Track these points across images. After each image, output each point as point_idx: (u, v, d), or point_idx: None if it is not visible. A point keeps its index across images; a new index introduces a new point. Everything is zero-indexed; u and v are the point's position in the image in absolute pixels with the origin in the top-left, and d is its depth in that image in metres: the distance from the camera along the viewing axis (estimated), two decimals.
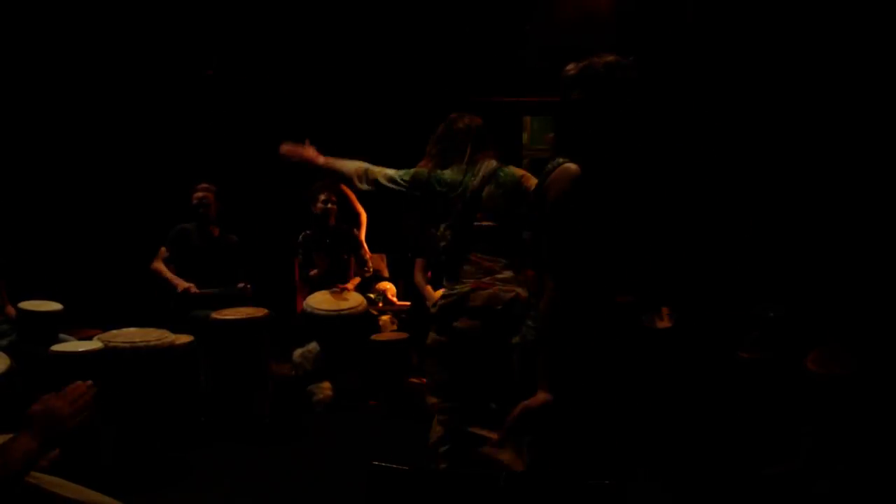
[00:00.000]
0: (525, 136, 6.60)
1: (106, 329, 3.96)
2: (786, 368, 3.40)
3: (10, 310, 4.07)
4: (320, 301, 4.71)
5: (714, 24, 4.79)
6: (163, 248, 4.68)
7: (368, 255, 5.08)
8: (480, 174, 2.87)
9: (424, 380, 4.68)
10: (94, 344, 3.63)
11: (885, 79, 4.10)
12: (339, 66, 5.64)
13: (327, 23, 5.56)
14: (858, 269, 3.93)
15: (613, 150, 2.15)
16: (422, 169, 2.95)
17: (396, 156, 6.15)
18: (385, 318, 5.05)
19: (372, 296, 5.09)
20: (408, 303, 5.24)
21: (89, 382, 1.82)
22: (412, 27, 5.52)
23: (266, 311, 4.37)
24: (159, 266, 4.63)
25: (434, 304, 3.48)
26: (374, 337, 4.74)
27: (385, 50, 5.59)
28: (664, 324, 4.22)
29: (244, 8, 5.54)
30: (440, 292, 4.63)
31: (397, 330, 5.01)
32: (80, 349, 3.56)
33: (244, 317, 4.28)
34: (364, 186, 2.91)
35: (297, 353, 4.84)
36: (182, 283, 4.52)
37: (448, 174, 2.90)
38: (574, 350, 2.14)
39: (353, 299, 4.76)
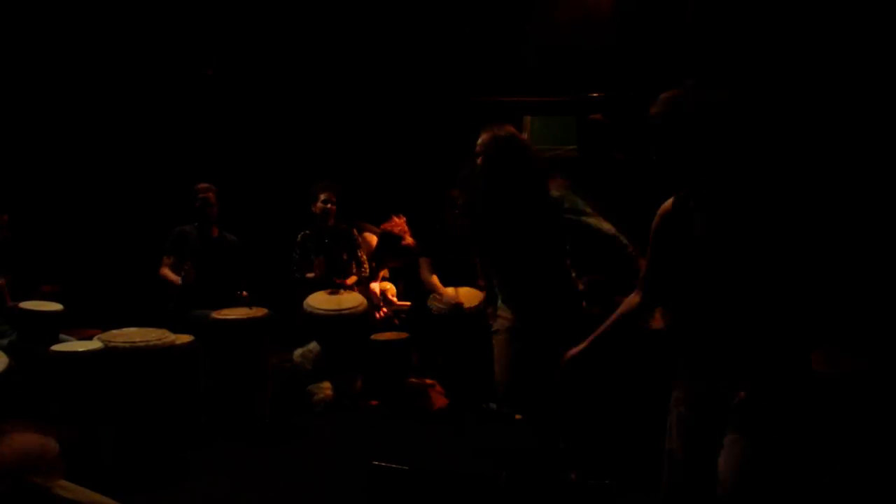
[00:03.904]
0: (525, 136, 6.60)
1: (106, 329, 3.97)
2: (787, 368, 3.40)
3: (9, 302, 4.07)
4: (320, 301, 4.71)
5: (714, 24, 4.79)
6: (165, 258, 4.67)
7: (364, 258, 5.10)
8: None
9: (426, 380, 4.70)
10: (94, 344, 3.63)
11: (885, 79, 4.10)
12: (339, 66, 5.64)
13: (327, 23, 5.56)
14: (858, 269, 3.93)
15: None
16: None
17: (396, 155, 6.18)
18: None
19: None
20: (408, 303, 5.24)
21: None
22: (412, 27, 5.52)
23: (266, 311, 4.37)
24: (164, 271, 4.64)
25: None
26: (374, 337, 4.74)
27: (385, 50, 5.58)
28: (658, 324, 4.21)
29: (244, 8, 5.54)
30: (451, 289, 4.70)
31: (397, 330, 5.01)
32: (80, 349, 3.56)
33: (244, 317, 4.28)
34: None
35: (297, 353, 4.84)
36: (171, 277, 4.54)
37: None
38: None
39: (353, 299, 4.76)
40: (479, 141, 3.03)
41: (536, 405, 3.21)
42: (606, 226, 3.06)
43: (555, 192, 3.01)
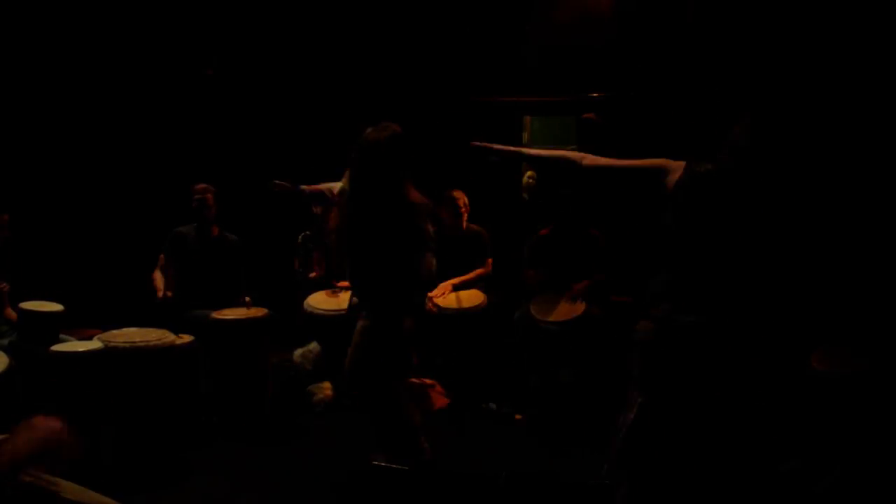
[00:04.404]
0: (525, 136, 6.61)
1: (106, 329, 3.97)
2: (787, 368, 3.40)
3: (11, 313, 4.07)
4: (320, 301, 4.71)
5: (714, 24, 4.79)
6: (161, 256, 4.68)
7: None
8: None
9: (426, 380, 4.70)
10: (94, 344, 3.63)
11: (885, 78, 4.10)
12: (339, 66, 5.64)
13: (327, 23, 5.56)
14: (859, 269, 3.93)
15: None
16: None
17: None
18: None
19: None
20: None
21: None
22: (412, 27, 5.52)
23: (266, 311, 4.37)
24: (155, 274, 4.64)
25: None
26: None
27: (385, 50, 5.58)
28: None
29: (244, 8, 5.54)
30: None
31: None
32: (80, 349, 3.57)
33: (244, 317, 4.28)
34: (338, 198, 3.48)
35: (297, 353, 4.84)
36: (159, 290, 4.51)
37: None
38: None
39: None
40: (363, 136, 3.27)
41: (371, 390, 3.33)
42: (432, 264, 3.33)
43: (417, 199, 3.27)
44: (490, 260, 4.99)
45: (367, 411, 3.36)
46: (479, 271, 4.95)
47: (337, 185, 3.62)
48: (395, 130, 3.27)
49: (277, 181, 3.86)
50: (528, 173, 6.42)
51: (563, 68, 5.37)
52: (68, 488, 1.85)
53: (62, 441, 1.79)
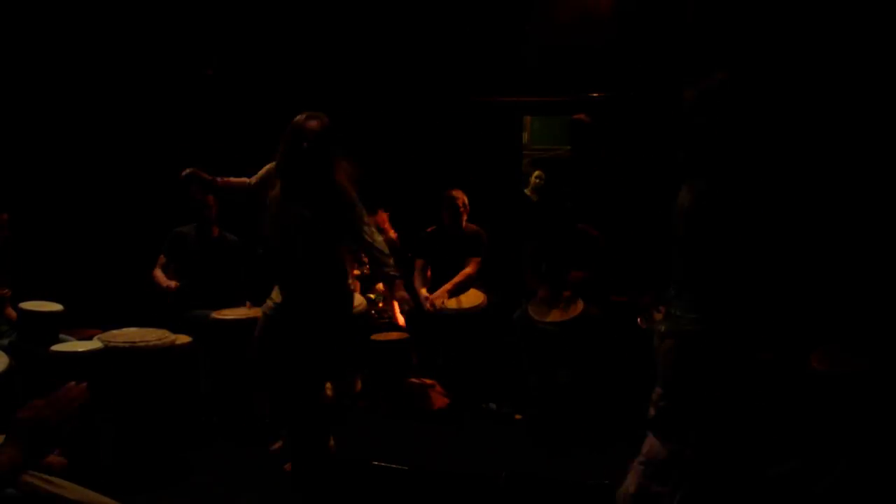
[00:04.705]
0: (525, 136, 6.62)
1: (106, 329, 3.97)
2: (787, 368, 3.40)
3: (11, 313, 4.08)
4: None
5: (714, 24, 4.79)
6: (161, 256, 4.68)
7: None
8: None
9: (426, 380, 4.71)
10: (94, 344, 3.63)
11: (885, 79, 4.10)
12: (338, 66, 5.64)
13: (327, 22, 5.56)
14: (859, 269, 3.93)
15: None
16: None
17: (396, 154, 6.17)
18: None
19: (372, 296, 5.09)
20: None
21: (83, 384, 1.83)
22: (412, 27, 5.52)
23: None
24: (155, 273, 4.62)
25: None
26: (374, 337, 4.74)
27: (385, 50, 5.58)
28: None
29: (244, 8, 5.54)
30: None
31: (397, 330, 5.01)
32: (80, 349, 3.57)
33: (244, 317, 4.28)
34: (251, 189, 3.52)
35: None
36: (162, 282, 4.50)
37: None
38: None
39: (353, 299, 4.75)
40: (300, 127, 3.28)
41: (281, 380, 3.42)
42: (378, 238, 3.37)
43: (351, 194, 3.27)
44: (478, 260, 4.98)
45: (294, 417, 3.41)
46: (467, 271, 4.94)
47: (253, 180, 3.59)
48: (327, 119, 3.32)
49: (193, 169, 3.54)
50: (536, 173, 6.43)
51: (563, 68, 5.37)
52: (69, 488, 1.85)
53: (55, 417, 1.78)
